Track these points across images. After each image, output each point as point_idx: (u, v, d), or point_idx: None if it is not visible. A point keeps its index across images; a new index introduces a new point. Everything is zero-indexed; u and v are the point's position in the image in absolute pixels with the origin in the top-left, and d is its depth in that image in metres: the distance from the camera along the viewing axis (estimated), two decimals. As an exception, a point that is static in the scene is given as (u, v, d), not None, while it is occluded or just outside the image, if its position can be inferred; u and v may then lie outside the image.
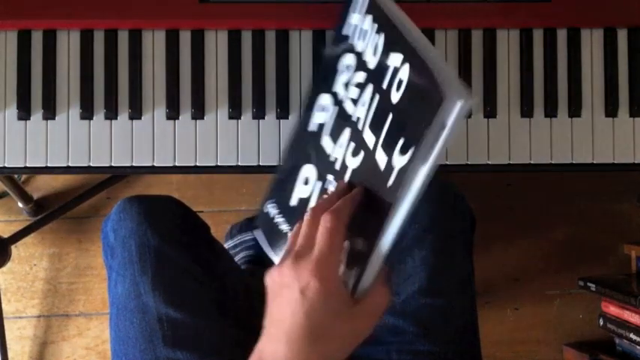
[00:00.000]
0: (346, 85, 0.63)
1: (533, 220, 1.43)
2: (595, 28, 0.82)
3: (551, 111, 0.81)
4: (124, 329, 0.75)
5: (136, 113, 0.80)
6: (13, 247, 1.32)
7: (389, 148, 0.51)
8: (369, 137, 0.55)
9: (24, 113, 0.79)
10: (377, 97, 0.55)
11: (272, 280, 0.54)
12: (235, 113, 0.80)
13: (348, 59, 0.64)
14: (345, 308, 0.52)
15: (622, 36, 0.82)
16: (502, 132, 0.81)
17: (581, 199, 1.44)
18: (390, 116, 0.52)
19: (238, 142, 0.80)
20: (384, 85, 0.54)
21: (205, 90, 0.80)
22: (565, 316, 1.43)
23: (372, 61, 0.58)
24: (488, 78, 0.81)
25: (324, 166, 0.63)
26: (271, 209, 0.73)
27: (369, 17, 0.61)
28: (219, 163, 0.80)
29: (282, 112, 0.80)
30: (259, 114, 0.80)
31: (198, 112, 0.80)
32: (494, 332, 1.41)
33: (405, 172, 0.48)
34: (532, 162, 0.81)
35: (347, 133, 0.60)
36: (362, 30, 0.62)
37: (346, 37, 0.66)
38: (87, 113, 0.80)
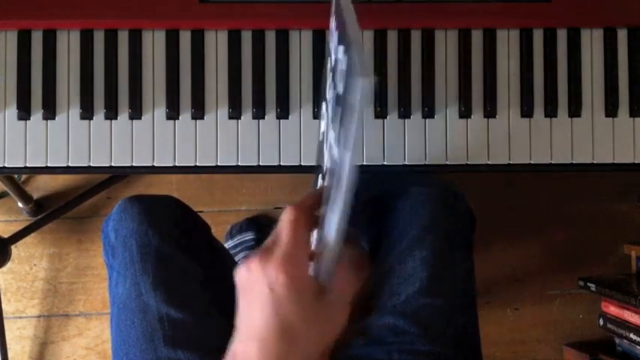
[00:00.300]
0: (325, 87, 0.62)
1: (533, 220, 1.44)
2: (595, 28, 0.82)
3: (551, 111, 0.81)
4: (125, 329, 0.75)
5: (136, 113, 0.80)
6: (13, 247, 1.32)
7: (337, 141, 0.50)
8: (330, 133, 0.54)
9: (24, 113, 0.79)
10: (333, 91, 0.54)
11: (240, 277, 0.52)
12: (235, 113, 0.80)
13: (328, 62, 0.63)
14: (313, 301, 0.50)
15: (622, 36, 0.82)
16: (502, 132, 0.81)
17: (581, 199, 1.44)
18: (340, 110, 0.50)
19: (238, 142, 0.80)
20: (337, 79, 0.53)
21: (205, 90, 0.80)
22: (565, 316, 1.43)
23: (332, 59, 0.57)
24: (489, 78, 0.81)
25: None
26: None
27: (333, 17, 0.60)
28: (219, 163, 0.80)
29: (282, 112, 0.80)
30: (259, 114, 0.80)
31: (198, 112, 0.80)
32: (494, 332, 1.41)
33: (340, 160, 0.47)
34: (532, 162, 0.81)
35: (331, 134, 0.59)
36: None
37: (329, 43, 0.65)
38: (87, 113, 0.80)
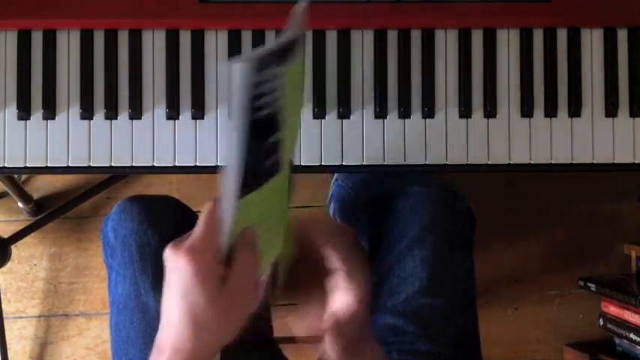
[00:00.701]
0: None
1: (533, 220, 1.44)
2: (595, 28, 0.82)
3: (551, 111, 0.81)
4: (124, 329, 0.75)
5: (136, 113, 0.80)
6: (13, 247, 1.32)
7: None
8: None
9: (24, 113, 0.79)
10: None
11: (165, 265, 0.53)
12: (235, 113, 0.80)
13: None
14: (218, 284, 0.51)
15: (622, 36, 0.82)
16: (502, 132, 0.81)
17: (581, 199, 1.44)
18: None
19: (238, 142, 0.80)
20: None
21: (205, 90, 0.80)
22: (565, 316, 1.43)
23: None
24: (489, 78, 0.81)
25: None
26: None
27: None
28: (219, 163, 0.80)
29: (282, 112, 0.80)
30: (259, 114, 0.80)
31: (198, 112, 0.80)
32: (494, 332, 1.41)
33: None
34: (532, 162, 0.81)
35: None
36: None
37: None
38: (87, 113, 0.80)
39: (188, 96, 0.80)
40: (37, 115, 0.80)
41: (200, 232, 0.52)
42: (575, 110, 0.81)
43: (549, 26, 0.81)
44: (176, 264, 0.51)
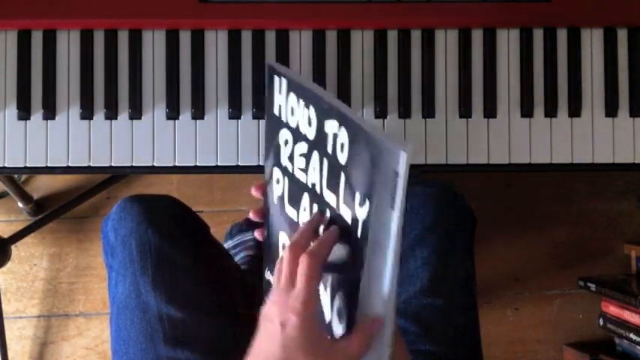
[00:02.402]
0: (290, 157, 0.66)
1: (533, 220, 1.43)
2: (595, 28, 0.82)
3: (551, 111, 0.81)
4: (125, 328, 0.75)
5: (136, 113, 0.80)
6: (13, 247, 1.32)
7: (350, 203, 0.56)
8: (329, 197, 0.60)
9: (24, 113, 0.79)
10: (325, 161, 0.60)
11: (266, 308, 0.57)
12: (235, 113, 0.80)
13: (285, 135, 0.67)
14: (319, 346, 0.54)
15: (622, 36, 0.82)
16: (502, 132, 0.81)
17: (581, 199, 1.44)
18: (343, 175, 0.57)
19: (238, 142, 0.80)
20: (329, 150, 0.59)
21: (205, 90, 0.80)
22: (565, 316, 1.43)
23: (309, 132, 0.62)
24: (489, 78, 0.81)
25: (295, 230, 0.65)
26: (269, 277, 0.75)
27: (292, 95, 0.65)
28: (219, 163, 0.80)
29: (282, 112, 0.80)
30: (259, 114, 0.80)
31: (198, 112, 0.80)
32: (494, 332, 1.41)
33: (369, 222, 0.53)
34: (532, 162, 0.81)
35: (306, 197, 0.64)
36: (288, 108, 0.66)
37: (277, 116, 0.69)
38: (87, 113, 0.80)
39: (188, 96, 0.80)
40: (37, 115, 0.80)
41: (305, 290, 0.54)
42: (575, 110, 0.81)
43: (549, 26, 0.81)
44: (281, 315, 0.54)
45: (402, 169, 0.50)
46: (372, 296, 0.54)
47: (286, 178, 0.68)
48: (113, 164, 0.80)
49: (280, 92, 0.68)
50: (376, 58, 0.80)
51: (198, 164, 0.80)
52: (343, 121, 0.57)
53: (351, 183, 0.56)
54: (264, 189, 0.73)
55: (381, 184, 0.52)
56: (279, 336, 0.54)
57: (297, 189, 0.66)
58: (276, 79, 0.69)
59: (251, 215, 0.66)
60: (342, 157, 0.57)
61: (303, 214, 0.65)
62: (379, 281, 0.54)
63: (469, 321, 0.81)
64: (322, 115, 0.60)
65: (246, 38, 0.81)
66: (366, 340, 0.55)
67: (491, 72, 0.81)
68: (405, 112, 0.80)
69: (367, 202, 0.54)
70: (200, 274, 0.78)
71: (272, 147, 0.71)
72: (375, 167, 0.52)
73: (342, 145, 0.57)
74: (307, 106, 0.62)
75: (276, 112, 0.69)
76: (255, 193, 0.65)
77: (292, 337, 0.53)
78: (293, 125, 0.65)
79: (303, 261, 0.55)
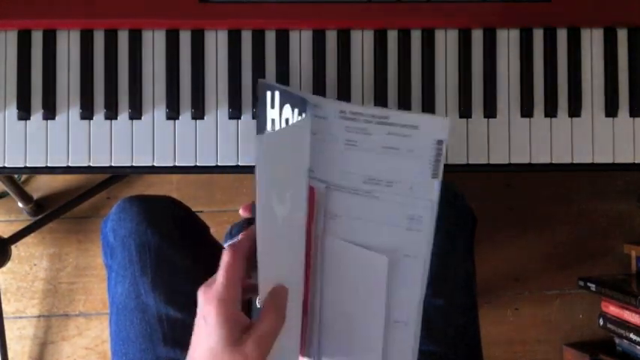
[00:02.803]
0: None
1: (533, 220, 1.44)
2: (595, 28, 0.82)
3: (551, 111, 0.81)
4: (124, 329, 0.75)
5: (136, 113, 0.80)
6: (13, 247, 1.32)
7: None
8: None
9: (24, 113, 0.79)
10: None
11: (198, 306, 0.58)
12: (235, 113, 0.80)
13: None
14: (235, 330, 0.55)
15: (622, 36, 0.82)
16: (502, 132, 0.81)
17: (581, 199, 1.44)
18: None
19: (238, 142, 0.80)
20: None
21: (205, 90, 0.80)
22: (565, 316, 1.43)
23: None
24: (489, 78, 0.81)
25: None
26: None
27: (287, 107, 0.65)
28: (219, 163, 0.80)
29: (282, 112, 0.80)
30: (259, 114, 0.80)
31: (198, 112, 0.80)
32: (494, 332, 1.41)
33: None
34: (532, 162, 0.81)
35: None
36: (283, 120, 0.66)
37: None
38: (87, 113, 0.80)
39: (188, 96, 0.80)
40: (37, 115, 0.80)
41: (222, 281, 0.56)
42: (575, 110, 0.81)
43: (549, 26, 0.81)
44: (202, 310, 0.56)
45: (445, 135, 0.56)
46: (275, 265, 0.57)
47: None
48: (113, 164, 0.80)
49: (273, 107, 0.68)
50: (376, 58, 0.80)
51: (198, 164, 0.80)
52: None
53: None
54: (253, 207, 0.73)
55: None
56: (203, 329, 0.56)
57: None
58: (268, 94, 0.68)
59: (241, 212, 0.66)
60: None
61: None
62: (288, 254, 0.58)
63: (469, 321, 0.81)
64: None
65: (246, 38, 0.81)
66: (274, 311, 0.56)
67: (492, 72, 0.81)
68: (405, 112, 0.80)
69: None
70: (199, 274, 0.77)
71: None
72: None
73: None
74: (300, 114, 0.63)
75: (269, 129, 0.69)
76: (243, 213, 0.66)
77: (212, 327, 0.55)
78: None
79: (223, 254, 0.57)
